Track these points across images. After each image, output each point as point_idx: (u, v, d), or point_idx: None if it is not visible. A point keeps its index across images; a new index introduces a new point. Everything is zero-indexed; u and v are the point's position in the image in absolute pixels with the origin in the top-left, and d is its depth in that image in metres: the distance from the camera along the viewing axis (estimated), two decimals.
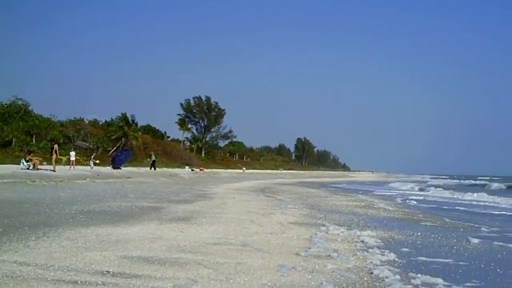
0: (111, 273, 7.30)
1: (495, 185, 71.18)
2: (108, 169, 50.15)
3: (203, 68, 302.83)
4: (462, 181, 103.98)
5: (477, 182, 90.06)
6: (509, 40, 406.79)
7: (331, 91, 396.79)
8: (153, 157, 65.90)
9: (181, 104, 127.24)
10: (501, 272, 9.00)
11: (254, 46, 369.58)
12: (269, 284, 7.28)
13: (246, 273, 7.86)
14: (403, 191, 52.40)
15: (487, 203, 32.62)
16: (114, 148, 78.96)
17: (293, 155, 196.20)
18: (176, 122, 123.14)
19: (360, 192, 44.03)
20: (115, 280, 6.87)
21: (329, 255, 9.75)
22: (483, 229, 15.72)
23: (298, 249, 10.22)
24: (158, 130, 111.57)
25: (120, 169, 52.15)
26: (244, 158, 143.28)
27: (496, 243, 12.61)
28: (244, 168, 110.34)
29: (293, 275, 7.92)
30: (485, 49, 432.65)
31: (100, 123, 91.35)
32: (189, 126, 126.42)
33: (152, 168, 61.36)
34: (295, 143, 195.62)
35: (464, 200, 36.70)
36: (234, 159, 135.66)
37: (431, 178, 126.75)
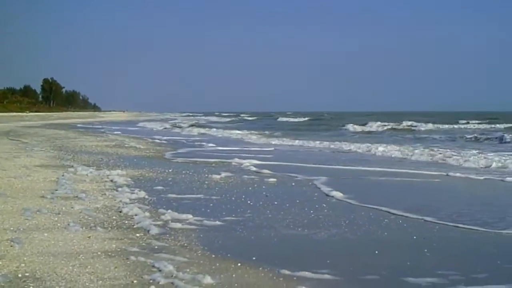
0: None
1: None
2: None
3: None
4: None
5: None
6: None
7: (78, 26, 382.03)
8: None
9: None
10: (251, 203, 9.51)
11: None
12: (12, 228, 6.94)
13: None
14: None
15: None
16: None
17: (40, 96, 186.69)
18: None
19: (107, 131, 43.43)
20: None
21: (76, 196, 9.53)
22: (234, 164, 16.31)
23: (44, 192, 9.84)
24: None
25: None
26: None
27: (246, 176, 13.24)
28: None
29: (39, 218, 7.64)
30: None
31: None
32: None
33: None
34: (41, 84, 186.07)
35: None
36: None
37: (181, 116, 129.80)
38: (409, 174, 14.45)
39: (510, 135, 29.92)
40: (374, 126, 51.64)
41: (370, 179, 13.63)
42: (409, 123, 53.74)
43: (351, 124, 51.40)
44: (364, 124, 52.79)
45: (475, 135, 33.18)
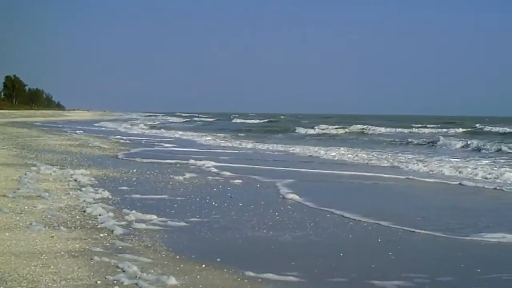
0: None
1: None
2: None
3: None
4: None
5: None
6: None
7: (42, 23, 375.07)
8: None
9: None
10: (216, 205, 9.48)
11: None
12: None
13: None
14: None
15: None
16: None
17: (2, 94, 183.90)
18: None
19: (69, 130, 42.86)
20: None
21: (39, 195, 9.40)
22: (196, 165, 16.17)
23: (6, 191, 9.69)
24: None
25: None
26: None
27: (210, 177, 13.22)
28: None
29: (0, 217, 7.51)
30: None
31: None
32: None
33: None
34: (3, 81, 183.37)
35: None
36: None
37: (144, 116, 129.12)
38: (365, 177, 14.62)
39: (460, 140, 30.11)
40: (329, 128, 51.99)
41: (328, 182, 13.94)
42: (363, 126, 53.95)
43: (303, 128, 51.44)
44: (314, 127, 52.68)
45: (424, 139, 33.42)
